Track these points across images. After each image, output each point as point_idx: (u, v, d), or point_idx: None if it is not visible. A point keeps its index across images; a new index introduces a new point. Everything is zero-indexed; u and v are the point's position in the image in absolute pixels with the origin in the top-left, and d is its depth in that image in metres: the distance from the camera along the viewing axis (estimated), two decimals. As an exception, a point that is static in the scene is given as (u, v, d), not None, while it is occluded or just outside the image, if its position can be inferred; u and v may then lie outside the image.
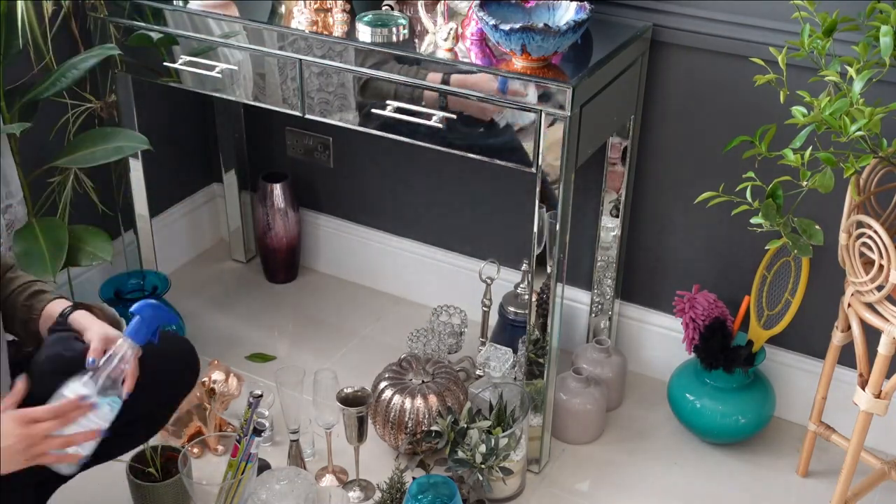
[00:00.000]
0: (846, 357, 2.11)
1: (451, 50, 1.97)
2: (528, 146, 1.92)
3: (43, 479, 1.76)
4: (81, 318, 1.70)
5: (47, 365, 1.63)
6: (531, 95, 1.87)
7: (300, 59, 2.09)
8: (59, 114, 2.28)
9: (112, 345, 1.62)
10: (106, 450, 1.85)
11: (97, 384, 1.57)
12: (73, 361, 1.61)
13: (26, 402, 1.53)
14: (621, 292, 2.49)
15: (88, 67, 2.10)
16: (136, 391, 1.68)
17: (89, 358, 1.60)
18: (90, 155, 2.13)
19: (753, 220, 1.69)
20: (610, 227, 2.37)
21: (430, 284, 2.76)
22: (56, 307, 1.73)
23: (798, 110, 1.63)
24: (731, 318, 2.26)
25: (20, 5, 2.01)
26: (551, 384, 2.17)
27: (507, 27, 1.83)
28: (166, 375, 1.82)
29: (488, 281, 2.45)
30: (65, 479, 1.81)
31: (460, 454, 2.07)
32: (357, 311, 2.81)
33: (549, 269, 2.02)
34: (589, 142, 1.99)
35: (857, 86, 1.58)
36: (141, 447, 2.04)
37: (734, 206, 1.71)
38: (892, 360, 1.83)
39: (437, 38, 1.99)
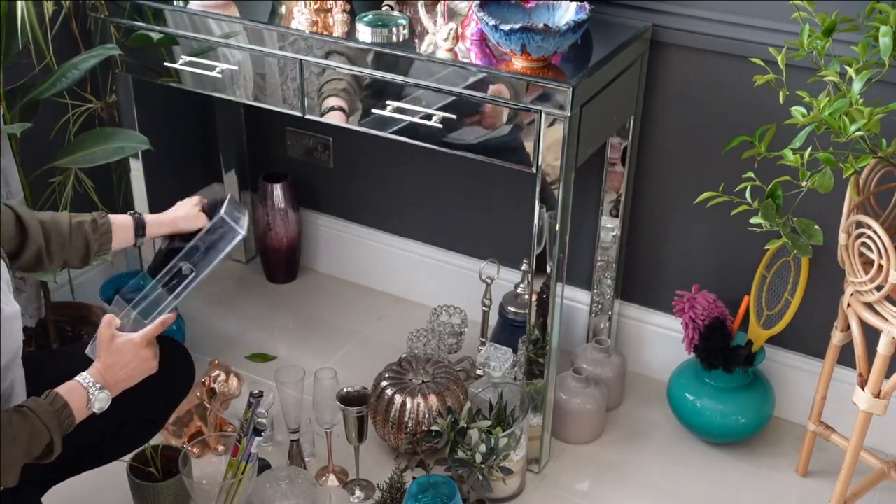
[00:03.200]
0: (846, 357, 2.11)
1: (451, 50, 1.97)
2: (528, 146, 1.92)
3: (45, 478, 1.76)
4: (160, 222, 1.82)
5: None
6: (531, 95, 1.87)
7: (300, 60, 2.09)
8: (60, 114, 2.29)
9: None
10: (102, 454, 1.86)
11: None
12: None
13: None
14: (621, 292, 2.49)
15: (89, 68, 2.10)
16: (131, 396, 1.69)
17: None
18: (90, 155, 2.13)
19: (753, 220, 1.69)
20: (610, 227, 2.37)
21: (430, 284, 2.76)
22: (121, 221, 1.79)
23: (798, 110, 1.63)
24: (731, 318, 2.26)
25: (21, 5, 2.01)
26: (551, 384, 2.17)
27: (507, 27, 1.83)
28: (162, 380, 1.83)
29: (488, 281, 2.46)
30: (63, 478, 1.82)
31: (460, 454, 2.07)
32: (357, 311, 2.81)
33: (549, 269, 2.02)
34: (589, 142, 1.99)
35: (857, 86, 1.58)
36: (140, 447, 2.04)
37: (734, 206, 1.71)
38: (891, 359, 1.83)
39: (437, 39, 1.99)
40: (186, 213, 1.83)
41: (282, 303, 2.84)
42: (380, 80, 2.02)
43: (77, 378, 1.56)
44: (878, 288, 1.79)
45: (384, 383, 2.24)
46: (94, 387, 1.56)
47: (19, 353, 1.58)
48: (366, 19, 2.03)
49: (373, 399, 2.22)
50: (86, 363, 1.63)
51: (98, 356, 1.61)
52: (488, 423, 2.08)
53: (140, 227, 1.81)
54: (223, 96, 2.25)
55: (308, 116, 2.15)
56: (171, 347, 1.92)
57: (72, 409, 1.53)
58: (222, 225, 1.76)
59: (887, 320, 1.80)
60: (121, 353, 1.61)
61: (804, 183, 1.64)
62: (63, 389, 1.54)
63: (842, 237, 1.88)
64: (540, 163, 1.92)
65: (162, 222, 1.82)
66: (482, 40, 2.03)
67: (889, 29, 1.59)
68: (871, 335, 1.88)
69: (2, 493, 1.58)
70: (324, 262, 2.97)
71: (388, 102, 2.01)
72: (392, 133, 2.05)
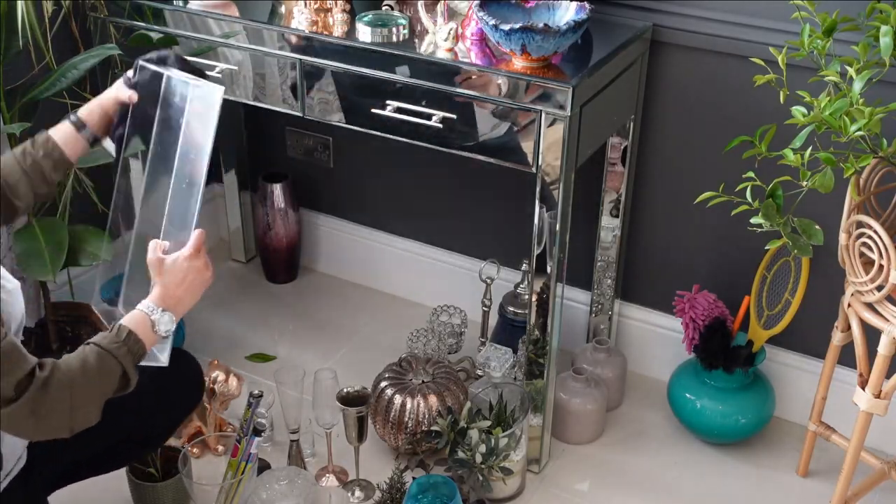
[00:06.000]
0: (846, 357, 2.11)
1: (451, 50, 1.97)
2: (528, 146, 1.92)
3: (54, 481, 1.77)
4: (90, 108, 1.74)
5: None
6: (531, 95, 1.87)
7: (300, 59, 2.09)
8: (59, 114, 2.27)
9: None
10: (113, 460, 1.87)
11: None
12: None
13: None
14: (621, 292, 2.49)
15: (88, 67, 2.10)
16: (141, 409, 1.68)
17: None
18: (90, 155, 2.12)
19: (753, 220, 1.69)
20: (610, 227, 2.37)
21: (430, 284, 2.76)
22: (61, 129, 1.73)
23: (798, 110, 1.63)
24: (731, 318, 2.26)
25: (20, 5, 2.01)
26: (551, 384, 2.17)
27: (507, 27, 1.83)
28: (172, 394, 1.83)
29: (488, 281, 2.45)
30: (72, 480, 1.82)
31: (460, 454, 2.07)
32: (357, 311, 2.81)
33: (549, 269, 2.02)
34: (589, 142, 1.99)
35: (857, 86, 1.58)
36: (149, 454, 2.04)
37: (734, 206, 1.71)
38: (891, 360, 1.83)
39: (437, 38, 1.99)
40: (118, 89, 1.73)
41: (282, 303, 2.84)
42: (379, 79, 2.02)
43: (138, 306, 1.56)
44: (879, 288, 1.79)
45: (384, 383, 2.24)
46: (155, 311, 1.55)
47: (21, 327, 1.59)
48: (366, 19, 2.03)
49: (373, 399, 2.22)
50: None
51: (154, 282, 1.59)
52: (488, 423, 2.08)
53: (78, 121, 1.74)
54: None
55: (308, 116, 2.15)
56: (180, 357, 1.92)
57: (138, 335, 1.52)
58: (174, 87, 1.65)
59: (888, 320, 1.80)
60: (174, 271, 1.59)
61: (804, 183, 1.64)
62: (126, 319, 1.54)
63: (842, 237, 1.88)
64: (540, 163, 1.92)
65: (97, 105, 1.74)
66: (482, 40, 2.03)
67: (889, 28, 1.59)
68: (872, 335, 1.88)
69: (10, 491, 1.59)
70: (324, 262, 2.97)
71: (387, 102, 2.01)
72: (392, 133, 2.05)
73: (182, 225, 1.63)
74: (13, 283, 1.53)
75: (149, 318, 1.54)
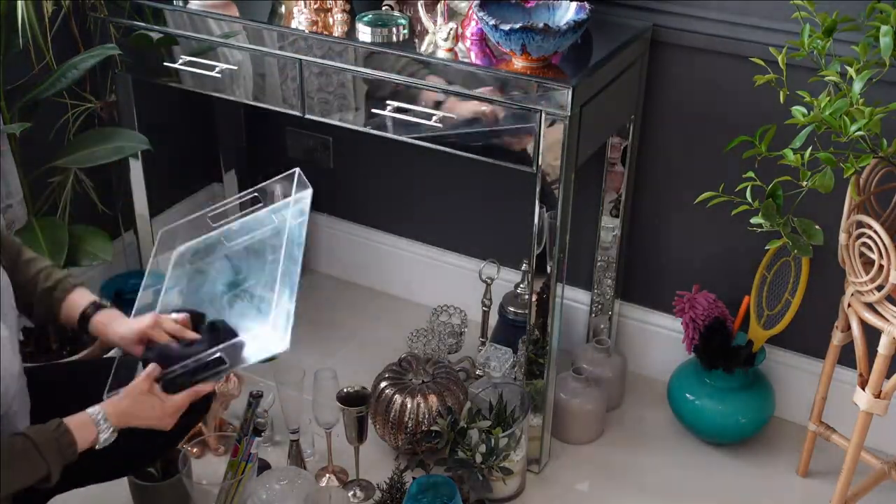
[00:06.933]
0: (846, 357, 2.11)
1: (451, 50, 1.97)
2: (528, 146, 1.92)
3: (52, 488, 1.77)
4: (103, 321, 1.68)
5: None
6: (531, 95, 1.87)
7: (300, 59, 2.09)
8: (59, 114, 2.29)
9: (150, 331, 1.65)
10: (112, 474, 1.86)
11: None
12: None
13: None
14: (621, 292, 2.49)
15: (88, 67, 2.10)
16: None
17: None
18: (90, 155, 2.13)
19: (753, 220, 1.69)
20: (610, 227, 2.37)
21: (430, 284, 2.76)
22: (77, 302, 1.69)
23: (798, 110, 1.63)
24: (732, 318, 2.26)
25: (20, 5, 2.01)
26: (551, 384, 2.17)
27: (507, 27, 1.83)
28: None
29: (488, 281, 2.45)
30: (71, 488, 1.81)
31: (460, 454, 2.07)
32: (357, 311, 2.81)
33: (549, 269, 2.02)
34: (589, 142, 1.99)
35: (857, 86, 1.58)
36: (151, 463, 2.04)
37: (734, 206, 1.71)
38: (891, 360, 1.83)
39: (437, 38, 1.99)
40: (123, 336, 1.67)
41: (282, 303, 2.83)
42: (379, 79, 2.02)
43: (90, 413, 1.53)
44: (879, 288, 1.79)
45: (384, 383, 2.23)
46: (105, 425, 1.53)
47: (13, 373, 1.55)
48: (366, 19, 2.03)
49: (373, 399, 2.22)
50: (93, 382, 1.62)
51: (124, 394, 1.57)
52: (488, 423, 2.08)
53: (98, 303, 1.70)
54: (223, 96, 2.25)
55: (308, 116, 2.15)
56: None
57: (78, 445, 1.50)
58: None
59: (888, 320, 1.80)
60: (147, 408, 1.57)
61: (804, 183, 1.64)
62: (74, 424, 1.50)
63: (842, 237, 1.88)
64: (540, 163, 1.92)
65: (106, 331, 1.68)
66: (482, 40, 2.03)
67: (889, 29, 1.59)
68: (872, 335, 1.88)
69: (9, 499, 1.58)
70: (324, 262, 2.96)
71: (387, 102, 2.01)
72: (392, 133, 2.05)
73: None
74: (2, 334, 1.49)
75: (97, 430, 1.52)
